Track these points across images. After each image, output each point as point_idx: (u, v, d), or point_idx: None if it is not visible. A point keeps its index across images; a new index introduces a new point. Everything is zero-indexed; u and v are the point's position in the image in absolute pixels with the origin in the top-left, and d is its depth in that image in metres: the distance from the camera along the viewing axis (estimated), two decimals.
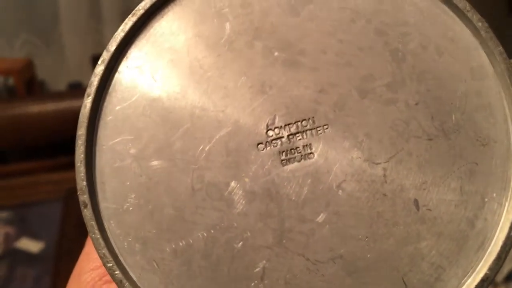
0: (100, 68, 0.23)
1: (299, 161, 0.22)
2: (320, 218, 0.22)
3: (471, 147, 0.22)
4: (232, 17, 0.23)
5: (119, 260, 0.21)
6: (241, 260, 0.21)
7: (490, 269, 0.21)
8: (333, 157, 0.22)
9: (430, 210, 0.21)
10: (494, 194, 0.21)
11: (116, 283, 0.21)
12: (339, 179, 0.22)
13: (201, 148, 0.22)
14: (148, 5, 0.23)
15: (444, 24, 0.22)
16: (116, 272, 0.21)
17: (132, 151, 0.22)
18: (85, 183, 0.22)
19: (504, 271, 0.84)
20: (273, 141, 0.22)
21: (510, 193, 0.21)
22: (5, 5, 1.33)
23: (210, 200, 0.22)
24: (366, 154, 0.22)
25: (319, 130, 0.22)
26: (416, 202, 0.21)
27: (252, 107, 0.22)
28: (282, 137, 0.22)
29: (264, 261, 0.21)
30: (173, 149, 0.22)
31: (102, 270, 0.26)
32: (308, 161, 0.22)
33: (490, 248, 0.21)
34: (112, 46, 0.23)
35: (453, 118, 0.22)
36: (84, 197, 0.22)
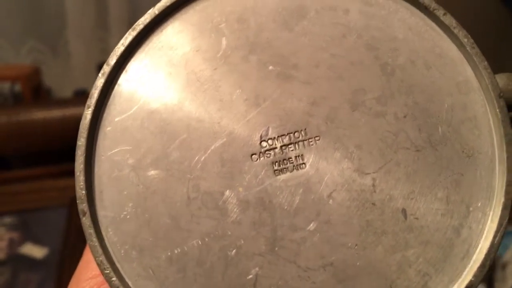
0: (100, 81, 0.23)
1: (291, 171, 0.23)
2: (311, 226, 0.22)
3: (457, 158, 0.22)
4: (229, 32, 0.24)
5: (116, 267, 0.22)
6: (235, 268, 0.22)
7: (475, 276, 0.21)
8: (324, 167, 0.23)
9: (417, 219, 0.22)
10: (479, 204, 0.22)
11: None
12: (330, 189, 0.22)
13: (197, 158, 0.23)
14: (148, 20, 0.24)
15: (432, 40, 0.23)
16: (113, 279, 0.22)
17: (130, 161, 0.23)
18: (84, 192, 0.23)
19: (509, 283, 0.83)
20: (267, 152, 0.23)
21: (494, 202, 0.22)
22: (12, 12, 1.35)
23: (205, 209, 0.23)
24: (356, 165, 0.23)
25: (311, 142, 0.23)
26: (404, 211, 0.22)
27: (247, 118, 0.23)
28: (275, 148, 0.23)
29: (257, 268, 0.22)
30: (170, 159, 0.23)
31: (101, 278, 0.26)
32: (300, 172, 0.23)
33: (475, 256, 0.22)
34: (112, 59, 0.24)
35: (440, 130, 0.23)
36: (83, 205, 0.22)
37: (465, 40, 0.23)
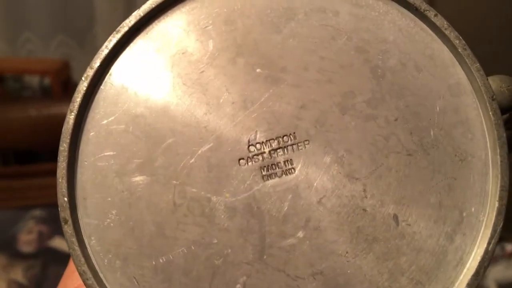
0: (83, 85, 0.23)
1: (280, 176, 0.22)
2: (301, 233, 0.22)
3: (449, 162, 0.22)
4: (216, 34, 0.23)
5: (99, 277, 0.21)
6: (222, 277, 0.21)
7: (468, 284, 0.21)
8: (313, 172, 0.22)
9: (409, 225, 0.22)
10: (472, 209, 0.22)
11: None
12: (319, 195, 0.22)
13: (183, 163, 0.22)
14: (132, 22, 0.23)
15: (423, 42, 0.23)
16: None
17: (114, 167, 0.22)
18: (66, 199, 0.22)
19: None
20: (255, 157, 0.22)
21: (487, 208, 0.22)
22: (41, 6, 1.34)
23: (192, 216, 0.22)
24: (346, 170, 0.22)
25: (300, 146, 0.22)
26: (395, 217, 0.22)
27: (234, 122, 0.23)
28: (264, 152, 0.22)
29: (244, 277, 0.21)
30: (155, 165, 0.22)
31: None
32: (289, 177, 0.22)
33: (468, 263, 0.21)
34: (96, 62, 0.23)
35: (432, 133, 0.22)
36: (65, 213, 0.22)
37: (457, 41, 0.22)
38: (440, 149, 0.22)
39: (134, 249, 0.22)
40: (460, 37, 0.22)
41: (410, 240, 0.21)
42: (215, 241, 0.22)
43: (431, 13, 0.23)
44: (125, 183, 0.22)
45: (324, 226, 0.22)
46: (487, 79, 0.22)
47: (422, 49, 0.23)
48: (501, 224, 0.21)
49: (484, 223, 0.21)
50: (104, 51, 0.23)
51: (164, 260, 0.22)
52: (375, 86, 0.22)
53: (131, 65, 0.23)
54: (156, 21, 0.24)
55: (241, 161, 0.22)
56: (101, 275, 0.21)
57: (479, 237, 0.21)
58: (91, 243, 0.22)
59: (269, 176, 0.22)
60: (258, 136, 0.22)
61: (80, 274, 0.21)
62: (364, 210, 0.22)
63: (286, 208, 0.22)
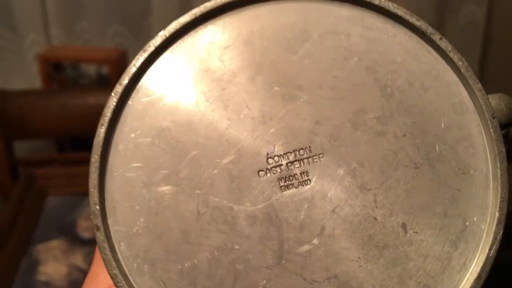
0: (113, 100, 0.24)
1: (296, 187, 0.24)
2: (316, 240, 0.23)
3: (453, 175, 0.24)
4: (236, 53, 0.25)
5: (129, 280, 0.23)
6: (243, 281, 0.23)
7: (471, 287, 0.23)
8: (328, 183, 0.24)
9: (417, 233, 0.23)
10: (475, 218, 0.23)
11: None
12: (333, 204, 0.24)
13: (206, 174, 0.24)
14: (158, 42, 0.25)
15: (429, 63, 0.25)
16: None
17: (142, 177, 0.24)
18: (98, 207, 0.23)
19: None
20: (273, 169, 0.24)
21: (488, 218, 0.23)
22: None
23: (215, 224, 0.24)
24: (358, 181, 0.24)
25: (315, 159, 0.24)
26: (404, 225, 0.23)
27: (254, 136, 0.24)
28: (281, 164, 0.24)
29: (264, 281, 0.23)
30: (180, 175, 0.24)
31: None
32: (305, 187, 0.24)
33: (471, 268, 0.23)
34: (125, 79, 0.25)
35: (437, 148, 0.24)
36: (97, 220, 0.23)
37: (460, 63, 0.24)
38: (445, 163, 0.24)
39: (161, 254, 0.23)
40: (463, 59, 0.24)
41: (418, 247, 0.23)
42: (237, 247, 0.23)
43: (436, 37, 0.25)
44: (152, 192, 0.24)
45: (338, 234, 0.23)
46: (488, 98, 0.24)
47: (428, 70, 0.25)
48: (501, 232, 0.23)
49: (485, 231, 0.23)
50: (132, 68, 0.25)
51: (189, 264, 0.23)
52: (385, 104, 0.24)
53: (156, 82, 0.25)
54: (180, 41, 0.25)
55: (261, 172, 0.24)
56: (130, 278, 0.23)
57: (481, 244, 0.23)
58: (121, 249, 0.23)
59: (287, 187, 0.24)
60: (276, 149, 0.24)
61: (112, 277, 0.23)
62: (375, 219, 0.23)
63: (302, 216, 0.24)
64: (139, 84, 0.25)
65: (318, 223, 0.23)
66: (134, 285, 0.23)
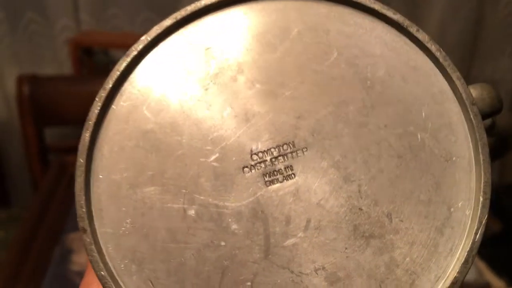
0: (97, 105, 0.25)
1: (281, 182, 0.24)
2: (302, 233, 0.23)
3: (436, 162, 0.24)
4: (218, 54, 0.25)
5: (117, 281, 0.23)
6: (231, 276, 0.23)
7: (459, 272, 0.23)
8: (312, 176, 0.24)
9: (402, 221, 0.23)
10: (459, 204, 0.23)
11: None
12: (318, 197, 0.24)
13: (191, 173, 0.24)
14: (140, 47, 0.25)
15: (407, 55, 0.25)
16: None
17: (128, 179, 0.24)
18: (84, 209, 0.23)
19: None
20: (257, 165, 0.24)
21: (473, 202, 0.23)
22: None
23: (201, 222, 0.24)
24: (342, 173, 0.24)
25: (299, 153, 0.24)
26: (389, 214, 0.23)
27: (237, 134, 0.24)
28: (266, 160, 0.24)
29: (252, 276, 0.23)
30: (165, 176, 0.24)
31: None
32: (290, 181, 0.24)
33: (458, 253, 0.23)
34: (108, 84, 0.25)
35: (419, 137, 0.24)
36: (83, 223, 0.23)
37: (438, 53, 0.24)
38: (427, 151, 0.24)
39: (148, 254, 0.23)
40: (441, 49, 0.24)
41: (403, 235, 0.23)
42: (223, 243, 0.23)
43: (413, 29, 0.25)
44: (138, 194, 0.24)
45: (323, 226, 0.23)
46: (467, 86, 0.24)
47: (406, 61, 0.25)
48: (486, 216, 0.23)
49: (470, 216, 0.23)
50: (116, 73, 0.25)
51: (177, 263, 0.23)
52: (365, 95, 0.25)
53: (140, 85, 0.25)
54: (161, 44, 0.26)
55: (245, 169, 0.24)
56: (118, 279, 0.23)
57: (467, 230, 0.23)
58: (108, 250, 0.23)
59: (271, 182, 0.24)
60: (260, 145, 0.24)
61: (99, 278, 0.23)
62: (360, 209, 0.23)
63: (288, 210, 0.24)
64: (123, 88, 0.25)
65: (304, 216, 0.24)
66: (122, 285, 0.23)
